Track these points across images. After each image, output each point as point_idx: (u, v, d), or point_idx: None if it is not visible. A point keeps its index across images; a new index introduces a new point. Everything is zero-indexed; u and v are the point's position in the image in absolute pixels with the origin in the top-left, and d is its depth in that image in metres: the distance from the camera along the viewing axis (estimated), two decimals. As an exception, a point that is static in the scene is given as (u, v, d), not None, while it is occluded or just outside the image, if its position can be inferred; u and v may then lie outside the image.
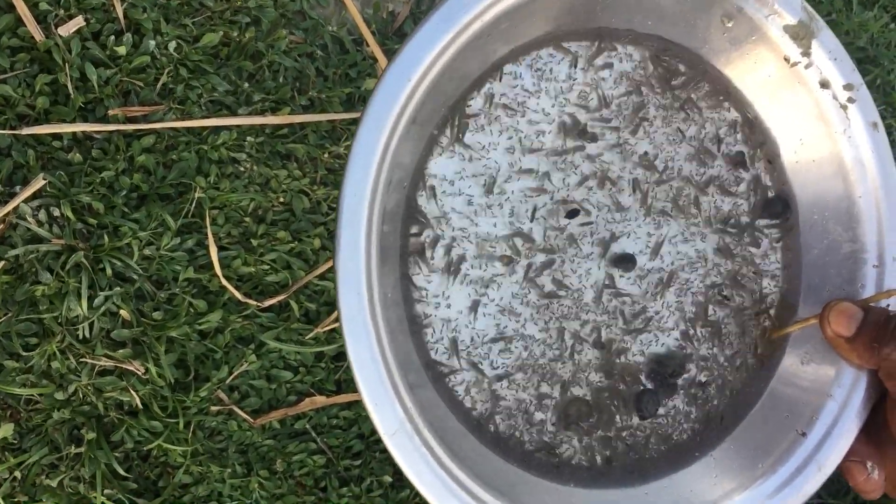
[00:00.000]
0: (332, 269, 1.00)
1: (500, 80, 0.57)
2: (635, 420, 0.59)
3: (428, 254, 0.56)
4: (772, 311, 0.61)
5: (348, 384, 1.01)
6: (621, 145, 0.59)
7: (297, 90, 1.01)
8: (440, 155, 0.56)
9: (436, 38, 0.50)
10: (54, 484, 0.91)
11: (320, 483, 1.00)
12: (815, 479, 0.55)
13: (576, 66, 0.58)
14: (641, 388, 0.59)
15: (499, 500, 0.51)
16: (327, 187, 1.01)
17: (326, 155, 1.01)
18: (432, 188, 0.56)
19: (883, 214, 0.58)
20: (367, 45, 1.02)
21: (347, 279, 0.49)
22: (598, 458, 0.58)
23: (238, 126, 0.97)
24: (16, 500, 0.90)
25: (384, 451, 1.04)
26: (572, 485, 0.56)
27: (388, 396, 0.49)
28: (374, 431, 1.02)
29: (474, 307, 0.56)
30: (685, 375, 0.60)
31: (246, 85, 0.99)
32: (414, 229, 0.56)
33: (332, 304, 1.00)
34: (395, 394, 0.49)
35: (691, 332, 0.60)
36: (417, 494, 1.03)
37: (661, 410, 0.59)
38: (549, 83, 0.58)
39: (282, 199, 0.99)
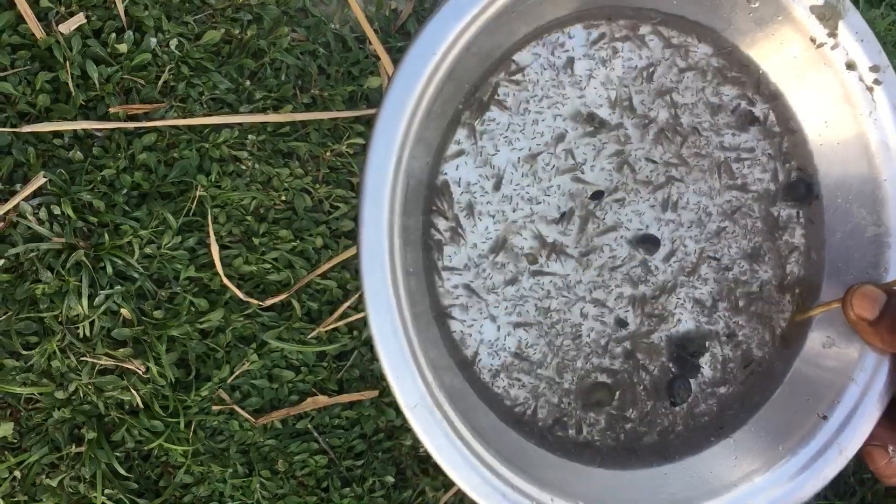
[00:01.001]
0: (334, 268, 0.99)
1: (523, 59, 0.57)
2: (657, 402, 0.58)
3: (451, 232, 0.55)
4: (795, 295, 0.61)
5: (350, 384, 1.01)
6: (642, 127, 0.59)
7: (299, 88, 1.01)
8: (463, 133, 0.56)
9: (460, 14, 0.50)
10: (54, 483, 0.90)
11: (322, 483, 0.99)
12: (835, 463, 0.55)
13: (598, 46, 0.58)
14: (669, 373, 0.59)
15: (519, 476, 0.51)
16: (329, 185, 1.00)
17: (328, 153, 1.01)
18: (455, 167, 0.56)
19: (908, 198, 0.58)
20: (370, 44, 1.02)
21: (371, 255, 0.48)
22: (620, 439, 0.58)
23: (239, 124, 0.97)
24: (16, 499, 0.89)
25: (387, 451, 1.04)
26: (594, 465, 0.56)
27: (409, 370, 0.49)
28: (376, 431, 1.02)
29: (497, 286, 0.56)
30: (707, 356, 0.59)
31: (247, 83, 0.98)
32: (437, 207, 0.55)
33: (334, 304, 1.00)
34: (416, 368, 0.49)
35: (714, 313, 0.60)
36: (420, 494, 1.03)
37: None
38: (571, 63, 0.58)
39: (283, 198, 0.99)
